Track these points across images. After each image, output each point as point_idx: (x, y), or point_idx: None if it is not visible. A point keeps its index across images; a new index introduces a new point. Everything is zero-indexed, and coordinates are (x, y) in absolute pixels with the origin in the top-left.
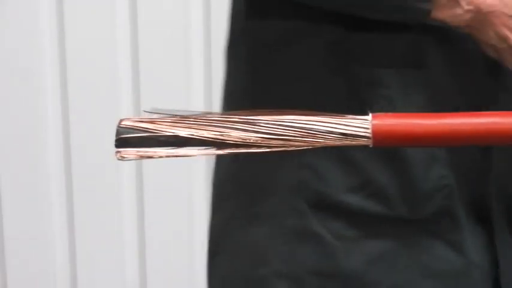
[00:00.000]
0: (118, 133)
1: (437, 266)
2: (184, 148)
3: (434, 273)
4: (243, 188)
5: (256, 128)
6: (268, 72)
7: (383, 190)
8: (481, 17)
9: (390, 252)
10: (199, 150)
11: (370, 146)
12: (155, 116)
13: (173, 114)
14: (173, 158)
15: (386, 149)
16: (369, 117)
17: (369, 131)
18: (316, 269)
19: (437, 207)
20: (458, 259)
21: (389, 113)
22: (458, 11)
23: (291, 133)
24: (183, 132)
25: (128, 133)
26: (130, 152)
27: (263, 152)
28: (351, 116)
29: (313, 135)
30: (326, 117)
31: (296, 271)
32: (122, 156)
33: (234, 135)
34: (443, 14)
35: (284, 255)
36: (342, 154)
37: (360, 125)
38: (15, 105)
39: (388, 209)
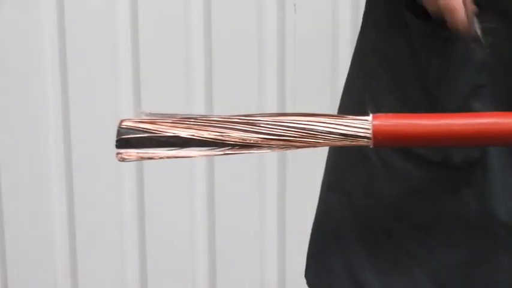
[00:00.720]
0: (119, 133)
1: (463, 213)
2: (185, 149)
3: (458, 217)
4: None
5: (256, 129)
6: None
7: None
8: None
9: (427, 187)
10: (200, 151)
11: (371, 146)
12: (156, 116)
13: (174, 115)
14: (174, 158)
15: None
16: (370, 117)
17: (369, 131)
18: (363, 187)
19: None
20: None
21: (390, 114)
22: None
23: (291, 133)
24: (184, 133)
25: (128, 133)
26: (131, 153)
27: (263, 152)
28: (351, 117)
29: (314, 136)
30: (326, 117)
31: (346, 186)
32: (122, 158)
33: (235, 135)
34: None
35: (340, 170)
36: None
37: (360, 126)
38: (15, 105)
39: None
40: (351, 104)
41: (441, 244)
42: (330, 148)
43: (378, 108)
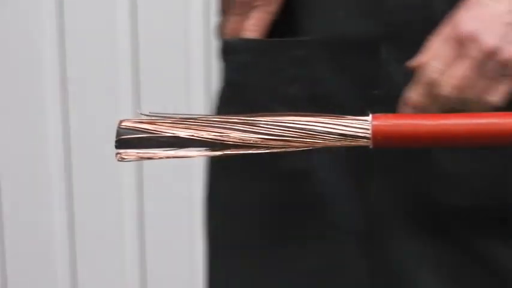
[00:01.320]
0: (118, 134)
1: None
2: (184, 149)
3: (308, 228)
4: None
5: (255, 129)
6: None
7: None
8: None
9: (280, 196)
10: (199, 151)
11: (370, 147)
12: (155, 117)
13: (173, 115)
14: (173, 158)
15: None
16: (369, 118)
17: (368, 131)
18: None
19: None
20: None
21: (390, 114)
22: None
23: (291, 134)
24: (183, 133)
25: (128, 134)
26: (131, 153)
27: (263, 152)
28: (350, 117)
29: (313, 136)
30: (325, 118)
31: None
32: (122, 158)
33: (234, 136)
34: None
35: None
36: None
37: (359, 126)
38: (15, 105)
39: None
40: None
41: (294, 254)
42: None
43: None
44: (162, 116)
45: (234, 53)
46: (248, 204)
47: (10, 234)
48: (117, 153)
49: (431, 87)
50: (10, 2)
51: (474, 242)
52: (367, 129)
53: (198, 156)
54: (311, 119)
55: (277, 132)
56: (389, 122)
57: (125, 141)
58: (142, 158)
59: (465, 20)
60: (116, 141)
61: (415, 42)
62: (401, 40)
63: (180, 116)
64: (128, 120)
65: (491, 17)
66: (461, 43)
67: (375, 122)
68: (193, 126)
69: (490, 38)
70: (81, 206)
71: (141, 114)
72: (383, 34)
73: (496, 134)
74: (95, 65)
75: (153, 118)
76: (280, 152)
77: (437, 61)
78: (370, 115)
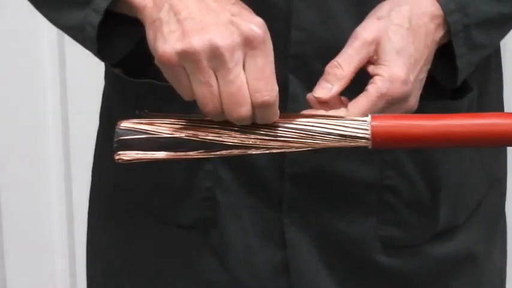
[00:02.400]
0: (117, 135)
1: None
2: (183, 150)
3: (207, 284)
4: None
5: (254, 130)
6: None
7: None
8: None
9: (170, 248)
10: (199, 152)
11: (370, 147)
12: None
13: (172, 116)
14: (172, 159)
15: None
16: (368, 118)
17: (368, 132)
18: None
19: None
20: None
21: (389, 115)
22: None
23: (290, 134)
24: (182, 134)
25: (127, 135)
26: (130, 154)
27: (262, 153)
28: (350, 118)
29: (312, 137)
30: (325, 118)
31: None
32: (121, 159)
33: (233, 136)
34: None
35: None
36: None
37: (359, 127)
38: (15, 105)
39: (161, 213)
40: None
41: None
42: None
43: None
44: (161, 116)
45: None
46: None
47: (10, 235)
48: (116, 154)
49: None
50: (10, 2)
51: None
52: (367, 130)
53: (198, 157)
54: (310, 120)
55: (276, 133)
56: (389, 123)
57: (124, 142)
58: (141, 159)
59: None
60: (115, 142)
61: None
62: None
63: (180, 116)
64: (127, 121)
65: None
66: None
67: (374, 123)
68: (192, 127)
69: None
70: (81, 206)
71: (139, 113)
72: None
73: (496, 134)
74: (94, 65)
75: (152, 119)
76: (279, 152)
77: None
78: (369, 116)
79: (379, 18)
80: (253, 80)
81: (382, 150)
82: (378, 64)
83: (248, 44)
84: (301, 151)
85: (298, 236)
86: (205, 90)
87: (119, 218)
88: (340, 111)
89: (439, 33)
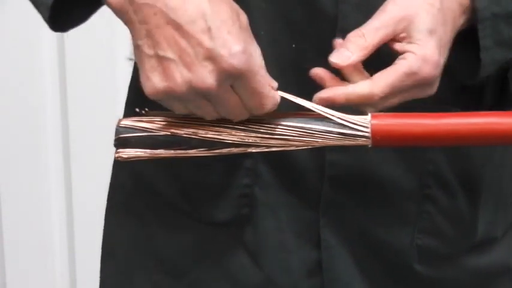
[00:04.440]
0: (117, 132)
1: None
2: (184, 148)
3: (236, 279)
4: None
5: (255, 128)
6: None
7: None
8: (136, 8)
9: (202, 245)
10: (199, 151)
11: (369, 146)
12: (154, 115)
13: (172, 114)
14: (172, 157)
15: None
16: (368, 116)
17: (368, 130)
18: (139, 247)
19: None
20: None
21: (389, 113)
22: None
23: (290, 133)
24: (182, 132)
25: (127, 132)
26: (130, 152)
27: (262, 151)
28: (350, 116)
29: (313, 135)
30: (325, 117)
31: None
32: (121, 157)
33: (233, 134)
34: None
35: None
36: None
37: (359, 125)
38: (15, 105)
39: (194, 210)
40: None
41: None
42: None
43: None
44: (162, 114)
45: None
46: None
47: (10, 235)
48: (117, 152)
49: None
50: (10, 2)
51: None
52: (367, 127)
53: (197, 155)
54: (310, 118)
55: (277, 131)
56: (388, 121)
57: (124, 139)
58: (141, 157)
59: None
60: (115, 140)
61: None
62: None
63: (180, 114)
64: (127, 119)
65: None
66: None
67: (374, 121)
68: (192, 125)
69: None
70: (80, 206)
71: (139, 111)
72: None
73: (496, 134)
74: (94, 64)
75: (152, 117)
76: (279, 151)
77: None
78: (369, 114)
79: None
80: (247, 100)
81: (420, 159)
82: (409, 42)
83: (230, 76)
84: (340, 153)
85: (333, 237)
86: (200, 112)
87: (140, 213)
88: (363, 84)
89: (462, 20)
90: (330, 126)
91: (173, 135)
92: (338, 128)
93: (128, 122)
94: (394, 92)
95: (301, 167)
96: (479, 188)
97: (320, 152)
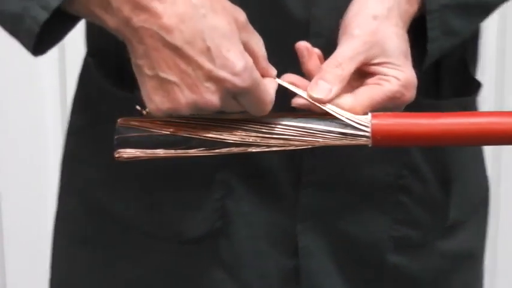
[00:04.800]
0: (117, 132)
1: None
2: (184, 147)
3: None
4: None
5: (255, 128)
6: None
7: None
8: (133, 31)
9: (173, 265)
10: (199, 150)
11: (370, 145)
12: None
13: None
14: (172, 157)
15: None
16: (369, 116)
17: (368, 129)
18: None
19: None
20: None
21: (389, 113)
22: (104, 13)
23: (290, 132)
24: (183, 132)
25: (127, 132)
26: (130, 151)
27: (262, 151)
28: (350, 115)
29: (313, 135)
30: (325, 116)
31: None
32: (121, 156)
33: (234, 134)
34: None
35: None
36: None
37: (359, 125)
38: (15, 105)
39: (164, 229)
40: None
41: None
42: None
43: None
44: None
45: None
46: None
47: (10, 235)
48: (117, 152)
49: None
50: None
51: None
52: (367, 127)
53: (197, 155)
54: (311, 118)
55: (277, 130)
56: (388, 121)
57: (124, 139)
58: (141, 157)
59: None
60: (115, 140)
61: None
62: None
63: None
64: (127, 118)
65: None
66: None
67: (374, 121)
68: (193, 125)
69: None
70: None
71: (139, 110)
72: None
73: (496, 133)
74: None
75: (152, 116)
76: (280, 150)
77: None
78: (370, 114)
79: (375, 18)
80: (250, 107)
81: (396, 150)
82: (388, 67)
83: (233, 93)
84: (320, 152)
85: (311, 242)
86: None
87: (95, 241)
88: (345, 99)
89: (413, 13)
90: (330, 126)
91: (173, 135)
92: (338, 127)
93: (128, 122)
94: (373, 109)
95: (274, 176)
96: (451, 174)
97: (294, 159)
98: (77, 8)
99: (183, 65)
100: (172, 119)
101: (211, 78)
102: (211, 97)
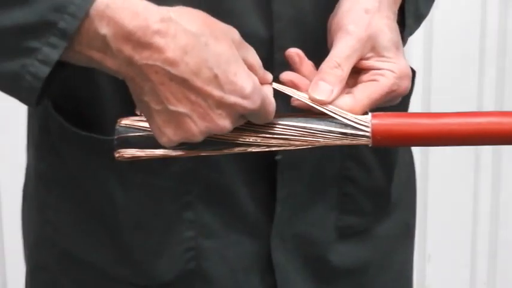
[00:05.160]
0: (117, 132)
1: None
2: (183, 147)
3: None
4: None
5: (256, 128)
6: None
7: (128, 253)
8: (136, 70)
9: None
10: (198, 150)
11: (370, 145)
12: None
13: None
14: (172, 157)
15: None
16: (369, 116)
17: (368, 129)
18: None
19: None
20: None
21: (389, 113)
22: (103, 56)
23: (291, 132)
24: None
25: (127, 132)
26: (130, 151)
27: (262, 151)
28: (350, 115)
29: (313, 134)
30: (326, 116)
31: None
32: (121, 156)
33: (234, 134)
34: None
35: None
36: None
37: (359, 125)
38: (15, 105)
39: (136, 275)
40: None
41: None
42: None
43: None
44: None
45: None
46: None
47: (10, 234)
48: (116, 152)
49: None
50: None
51: None
52: (367, 127)
53: (197, 155)
54: (311, 118)
55: (277, 130)
56: (389, 121)
57: (124, 139)
58: (141, 157)
59: None
60: (115, 140)
61: None
62: None
63: None
64: (127, 118)
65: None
66: None
67: (375, 121)
68: None
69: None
70: None
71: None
72: None
73: (496, 133)
74: None
75: None
76: (280, 150)
77: None
78: (370, 114)
79: (367, 12)
80: (257, 120)
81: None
82: (381, 60)
83: (244, 114)
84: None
85: (283, 256)
86: None
87: None
88: (344, 100)
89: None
90: (330, 126)
91: None
92: (339, 127)
93: (128, 122)
94: (373, 107)
95: (243, 204)
96: (392, 160)
97: (256, 183)
98: (74, 56)
99: (192, 96)
100: None
101: (222, 104)
102: (224, 122)
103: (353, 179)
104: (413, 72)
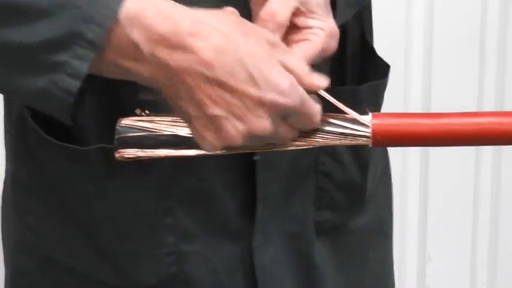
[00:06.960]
0: (117, 132)
1: None
2: (184, 147)
3: None
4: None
5: None
6: None
7: (109, 256)
8: (170, 74)
9: None
10: (200, 150)
11: (370, 145)
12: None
13: (172, 113)
14: (172, 157)
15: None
16: (369, 116)
17: (368, 130)
18: None
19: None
20: None
21: (389, 113)
22: (136, 63)
23: None
24: (183, 132)
25: (127, 132)
26: (130, 152)
27: (262, 151)
28: (351, 116)
29: (313, 135)
30: (326, 116)
31: None
32: (121, 156)
33: None
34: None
35: None
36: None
37: (359, 125)
38: None
39: (117, 280)
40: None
41: None
42: None
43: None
44: (162, 114)
45: None
46: None
47: None
48: (117, 152)
49: None
50: None
51: None
52: (367, 127)
53: (198, 155)
54: None
55: None
56: (389, 121)
57: (124, 139)
58: (141, 157)
59: None
60: (116, 140)
61: None
62: None
63: None
64: (127, 118)
65: None
66: None
67: (375, 121)
68: None
69: None
70: None
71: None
72: None
73: (496, 133)
74: None
75: (152, 116)
76: (280, 150)
77: None
78: (370, 114)
79: None
80: (302, 124)
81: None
82: (312, 18)
83: (283, 113)
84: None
85: (266, 255)
86: None
87: None
88: None
89: None
90: (330, 126)
91: (173, 135)
92: (338, 127)
93: (128, 122)
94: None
95: (224, 206)
96: (368, 157)
97: (237, 184)
98: (104, 68)
99: (229, 98)
100: (173, 119)
101: (260, 103)
102: (263, 123)
103: (328, 174)
104: (388, 66)
